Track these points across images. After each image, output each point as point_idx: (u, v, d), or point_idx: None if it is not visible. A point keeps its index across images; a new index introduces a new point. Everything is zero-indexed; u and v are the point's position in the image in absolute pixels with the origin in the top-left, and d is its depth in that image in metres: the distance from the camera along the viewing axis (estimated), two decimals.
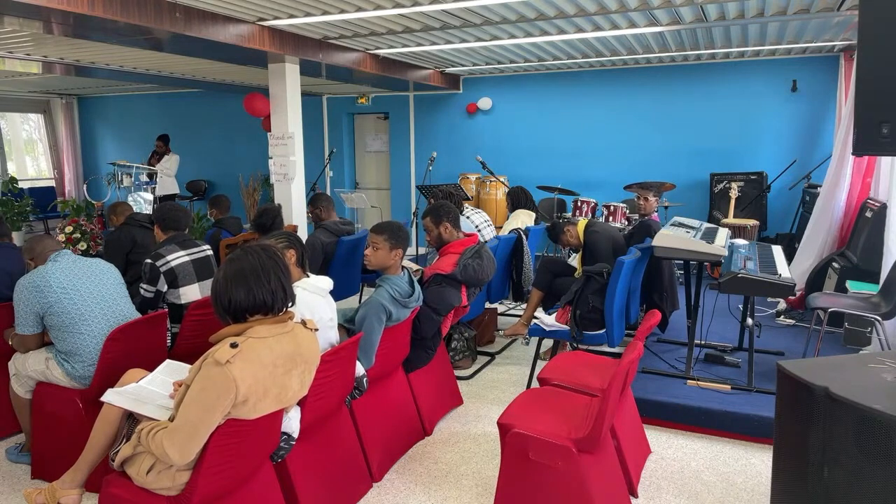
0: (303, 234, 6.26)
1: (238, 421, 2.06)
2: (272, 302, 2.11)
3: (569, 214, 6.66)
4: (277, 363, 2.11)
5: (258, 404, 2.07)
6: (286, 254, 2.77)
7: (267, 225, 4.48)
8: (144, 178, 8.10)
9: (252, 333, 2.07)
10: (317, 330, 2.38)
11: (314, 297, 2.79)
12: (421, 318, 3.47)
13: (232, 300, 2.07)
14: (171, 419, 2.13)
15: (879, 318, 3.84)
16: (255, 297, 2.07)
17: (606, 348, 4.40)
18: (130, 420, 2.40)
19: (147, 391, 2.41)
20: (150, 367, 2.63)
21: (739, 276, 3.59)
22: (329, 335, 2.84)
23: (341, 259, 4.94)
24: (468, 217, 5.17)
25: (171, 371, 2.58)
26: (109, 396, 2.38)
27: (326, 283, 2.89)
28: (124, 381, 2.53)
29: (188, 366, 2.60)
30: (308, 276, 2.87)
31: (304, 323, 2.31)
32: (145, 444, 2.08)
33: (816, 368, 2.01)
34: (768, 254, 4.22)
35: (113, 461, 2.22)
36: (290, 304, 2.20)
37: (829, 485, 1.85)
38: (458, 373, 4.41)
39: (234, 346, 1.98)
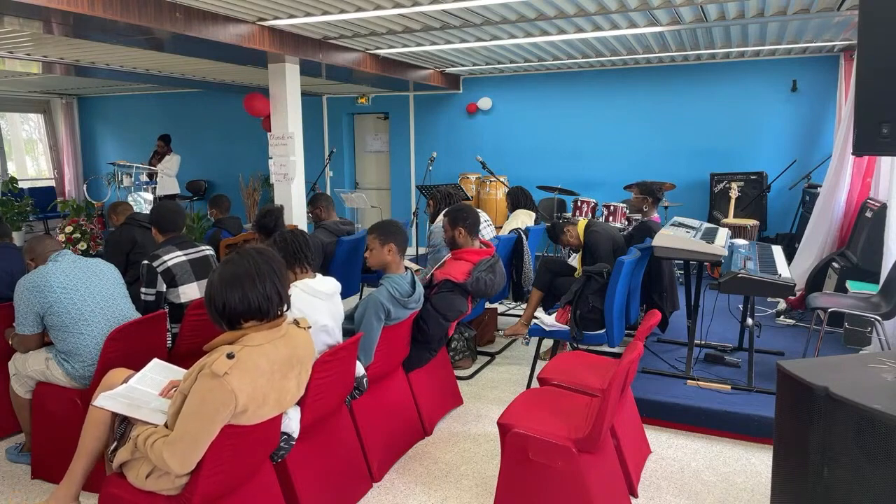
0: None
1: (238, 426, 2.06)
2: (267, 307, 2.09)
3: (569, 214, 6.65)
4: (275, 369, 2.09)
5: (258, 411, 2.06)
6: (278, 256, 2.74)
7: (270, 226, 4.38)
8: (144, 178, 8.11)
9: (247, 341, 2.04)
10: (309, 328, 2.36)
11: (311, 299, 2.75)
12: (429, 322, 3.46)
13: (226, 304, 2.05)
14: (167, 424, 2.11)
15: (879, 318, 3.84)
16: (249, 301, 2.05)
17: (606, 348, 4.40)
18: (122, 419, 2.33)
19: (140, 392, 2.35)
20: None
21: (739, 276, 3.59)
22: (322, 338, 2.79)
23: (341, 259, 4.94)
24: None
25: (160, 370, 2.52)
26: (102, 401, 2.31)
27: (327, 285, 2.86)
28: (110, 383, 2.46)
29: (175, 367, 2.57)
30: (314, 277, 2.85)
31: (296, 322, 2.30)
32: (143, 451, 2.06)
33: (816, 368, 2.01)
34: (768, 254, 4.22)
35: (111, 461, 2.21)
36: (284, 309, 2.18)
37: (829, 485, 1.85)
38: (458, 373, 4.41)
39: (230, 356, 1.95)
